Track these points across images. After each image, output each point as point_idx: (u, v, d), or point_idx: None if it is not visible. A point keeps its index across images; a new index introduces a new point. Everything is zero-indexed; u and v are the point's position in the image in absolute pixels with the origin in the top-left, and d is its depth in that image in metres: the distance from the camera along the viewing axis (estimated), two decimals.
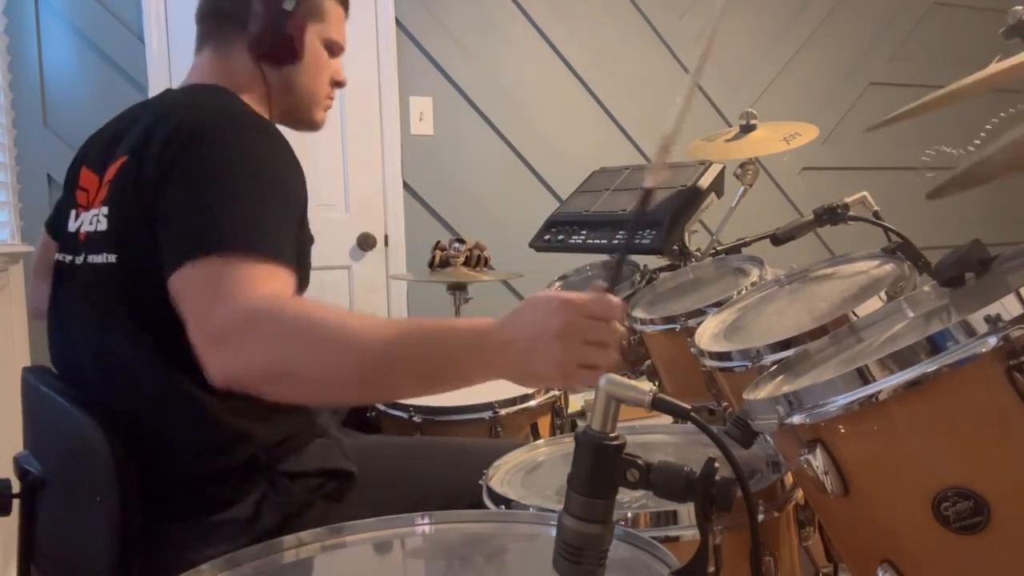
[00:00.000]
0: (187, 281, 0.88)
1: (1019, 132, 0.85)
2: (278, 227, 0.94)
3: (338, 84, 1.24)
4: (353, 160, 3.03)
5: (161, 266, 0.92)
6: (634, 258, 1.99)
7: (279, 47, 1.13)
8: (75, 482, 1.01)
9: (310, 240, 1.10)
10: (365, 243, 3.03)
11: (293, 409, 1.09)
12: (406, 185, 3.13)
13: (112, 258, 1.00)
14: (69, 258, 1.07)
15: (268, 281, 0.88)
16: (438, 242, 2.48)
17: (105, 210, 1.02)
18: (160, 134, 0.97)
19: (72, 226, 1.08)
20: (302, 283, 1.01)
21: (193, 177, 0.94)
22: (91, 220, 1.04)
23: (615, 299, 0.82)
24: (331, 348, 0.83)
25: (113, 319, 1.00)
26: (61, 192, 1.19)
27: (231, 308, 0.84)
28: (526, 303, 0.84)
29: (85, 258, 1.04)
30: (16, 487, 1.03)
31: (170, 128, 0.97)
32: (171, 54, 2.74)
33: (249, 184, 0.95)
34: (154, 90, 2.70)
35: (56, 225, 1.16)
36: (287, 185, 0.99)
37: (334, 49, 1.21)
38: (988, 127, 0.89)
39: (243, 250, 0.88)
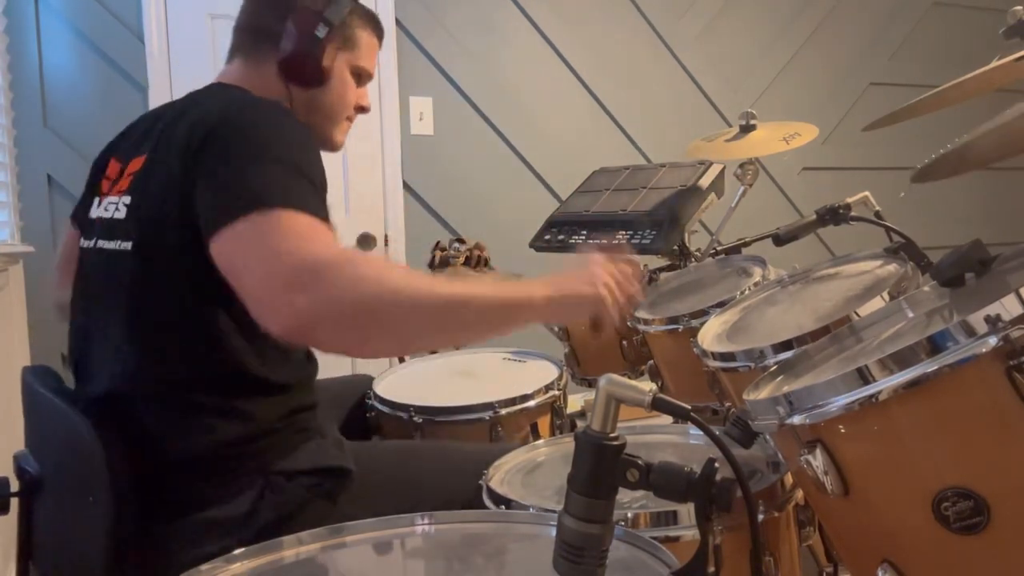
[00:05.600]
0: (240, 236, 0.89)
1: (1009, 115, 0.85)
2: (314, 195, 0.97)
3: (362, 109, 1.29)
4: (353, 160, 3.03)
5: (172, 261, 0.95)
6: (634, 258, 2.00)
7: (307, 70, 1.18)
8: (70, 482, 1.01)
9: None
10: (365, 243, 3.03)
11: (286, 400, 1.08)
12: (406, 185, 3.13)
13: (126, 245, 1.02)
14: (86, 243, 1.11)
15: (328, 233, 0.92)
16: (438, 242, 2.48)
17: (127, 199, 1.04)
18: (183, 127, 1.00)
19: (94, 212, 1.12)
20: None
21: (227, 152, 0.96)
22: (108, 207, 1.07)
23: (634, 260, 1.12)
24: (413, 295, 0.89)
25: (116, 307, 1.02)
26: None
27: (311, 250, 0.87)
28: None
29: (96, 243, 1.07)
30: (15, 486, 1.03)
31: (194, 119, 1.00)
32: (171, 54, 2.74)
33: (282, 154, 0.97)
34: (154, 90, 2.71)
35: (80, 214, 1.19)
36: (312, 162, 1.03)
37: (362, 77, 1.27)
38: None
39: (295, 207, 0.91)
